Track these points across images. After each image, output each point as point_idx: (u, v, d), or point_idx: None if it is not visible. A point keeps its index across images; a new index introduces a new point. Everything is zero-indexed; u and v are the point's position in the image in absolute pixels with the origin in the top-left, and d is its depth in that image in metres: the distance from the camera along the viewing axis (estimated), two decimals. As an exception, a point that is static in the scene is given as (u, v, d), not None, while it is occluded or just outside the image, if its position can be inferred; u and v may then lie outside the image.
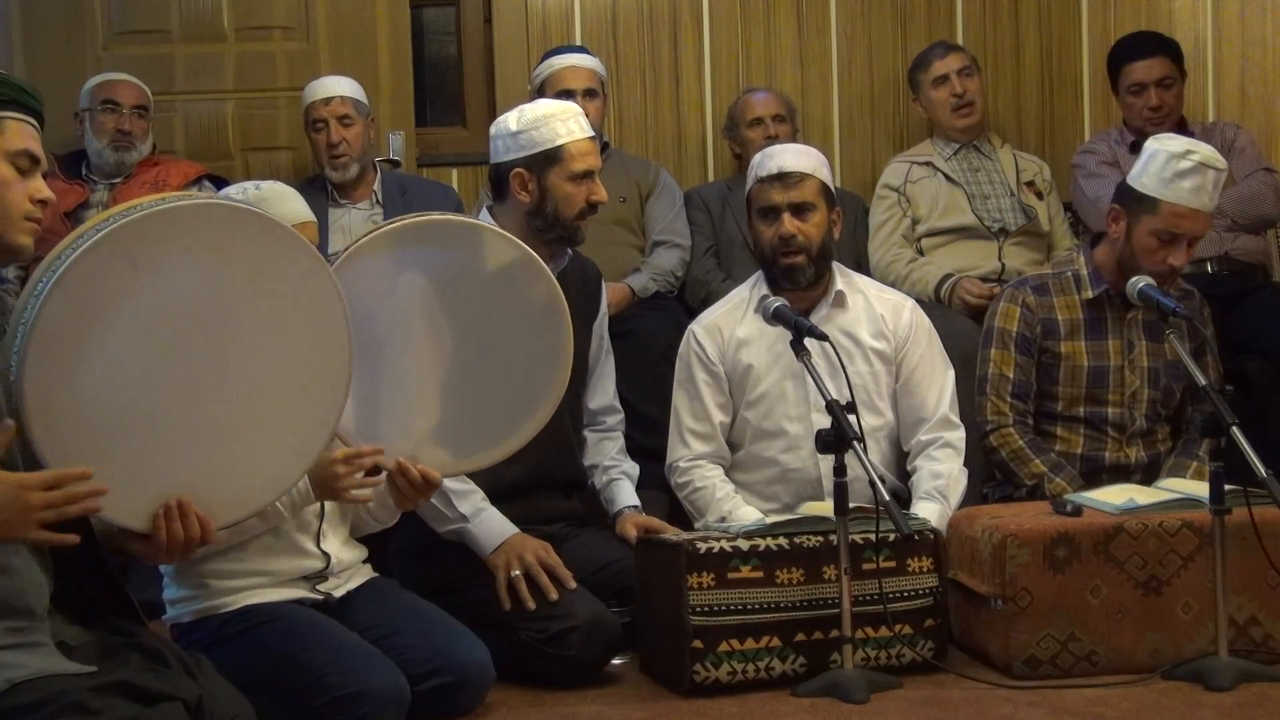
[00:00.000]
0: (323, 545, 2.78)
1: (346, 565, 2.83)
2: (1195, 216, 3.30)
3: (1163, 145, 3.34)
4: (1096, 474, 3.41)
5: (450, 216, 2.82)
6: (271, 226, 2.15)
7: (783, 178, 3.37)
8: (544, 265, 2.74)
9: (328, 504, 2.77)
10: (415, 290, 2.64)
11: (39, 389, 1.93)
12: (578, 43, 4.70)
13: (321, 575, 2.77)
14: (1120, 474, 3.41)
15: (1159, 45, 4.31)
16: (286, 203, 2.82)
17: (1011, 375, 3.45)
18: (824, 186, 3.40)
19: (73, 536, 1.95)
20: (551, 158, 3.17)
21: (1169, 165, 3.29)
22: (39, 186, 2.11)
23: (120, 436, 2.03)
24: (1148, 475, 3.42)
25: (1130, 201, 3.37)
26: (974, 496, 3.47)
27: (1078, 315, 3.46)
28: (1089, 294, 3.45)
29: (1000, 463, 3.45)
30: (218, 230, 2.09)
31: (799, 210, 3.36)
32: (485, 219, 3.30)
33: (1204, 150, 3.31)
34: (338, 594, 2.77)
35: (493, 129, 3.28)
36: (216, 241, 2.08)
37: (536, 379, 2.72)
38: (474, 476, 3.01)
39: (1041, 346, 3.46)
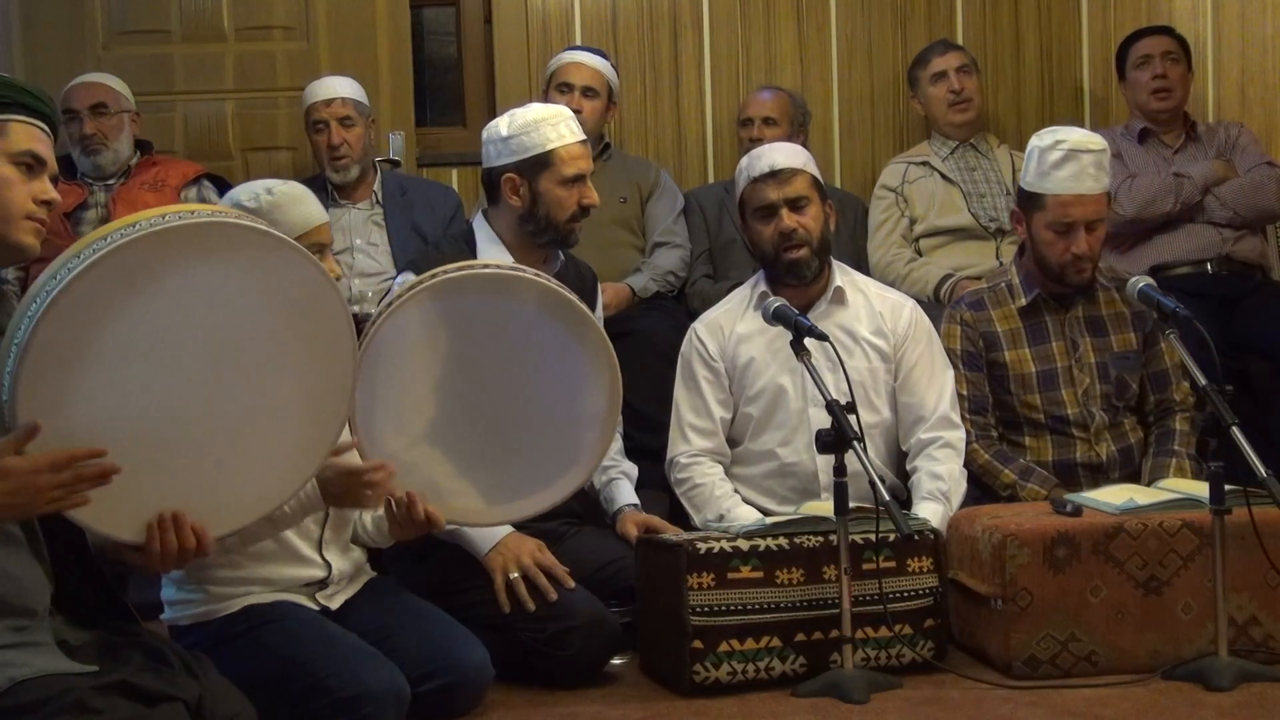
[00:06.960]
0: (325, 554, 2.77)
1: (347, 575, 2.82)
2: (1080, 201, 3.35)
3: (1037, 142, 3.42)
4: (1072, 474, 3.42)
5: (491, 269, 2.72)
6: (273, 242, 2.13)
7: (775, 175, 3.39)
8: (591, 317, 2.71)
9: (331, 511, 2.76)
10: (459, 343, 2.62)
11: (31, 409, 1.93)
12: (577, 43, 4.70)
13: (322, 584, 2.75)
14: (1096, 473, 3.41)
15: (1168, 29, 4.41)
16: (300, 206, 2.78)
17: (966, 393, 3.47)
18: (815, 180, 3.43)
19: (84, 498, 1.96)
20: (542, 163, 3.17)
21: (1043, 159, 3.38)
22: (44, 188, 2.11)
23: (114, 452, 2.01)
24: (1124, 471, 3.43)
25: (1024, 203, 3.46)
26: (969, 503, 3.46)
27: (1016, 324, 3.49)
28: (1022, 301, 3.48)
29: (973, 479, 3.45)
30: (216, 248, 2.07)
31: (795, 204, 3.38)
32: (479, 222, 3.31)
33: (1074, 136, 3.38)
34: (334, 606, 2.76)
35: (484, 133, 3.28)
36: (216, 260, 2.06)
37: (576, 431, 2.72)
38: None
39: (987, 359, 3.49)
